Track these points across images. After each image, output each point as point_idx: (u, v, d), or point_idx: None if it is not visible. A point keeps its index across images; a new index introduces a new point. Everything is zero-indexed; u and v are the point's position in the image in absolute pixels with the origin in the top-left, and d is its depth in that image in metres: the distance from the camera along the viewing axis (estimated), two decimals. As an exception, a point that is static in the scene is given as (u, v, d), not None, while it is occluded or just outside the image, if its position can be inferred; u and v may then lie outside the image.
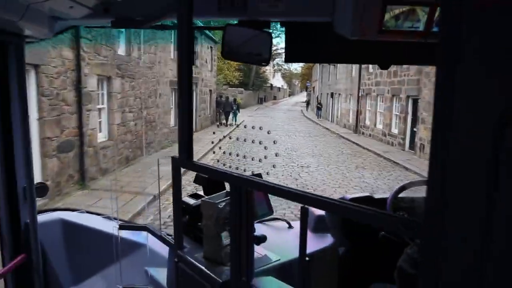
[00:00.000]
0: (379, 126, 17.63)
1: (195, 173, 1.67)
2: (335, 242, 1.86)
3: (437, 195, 0.61)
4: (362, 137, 19.16)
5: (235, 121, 23.19)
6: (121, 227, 1.91)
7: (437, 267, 0.62)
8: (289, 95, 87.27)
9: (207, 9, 1.37)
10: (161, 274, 1.84)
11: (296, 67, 75.56)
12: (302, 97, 76.82)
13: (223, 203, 1.37)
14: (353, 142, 17.14)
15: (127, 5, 1.45)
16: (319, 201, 0.94)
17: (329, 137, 19.56)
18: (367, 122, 19.38)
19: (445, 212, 0.60)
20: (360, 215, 0.85)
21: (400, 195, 1.85)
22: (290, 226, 1.95)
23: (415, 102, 13.82)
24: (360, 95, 20.08)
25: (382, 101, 17.34)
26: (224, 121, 23.05)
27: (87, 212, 2.47)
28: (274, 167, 10.25)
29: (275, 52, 38.09)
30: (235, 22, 1.45)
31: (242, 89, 40.67)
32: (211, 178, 1.70)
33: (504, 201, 0.55)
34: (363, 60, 1.74)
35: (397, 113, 15.49)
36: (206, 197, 1.52)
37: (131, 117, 10.35)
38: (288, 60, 1.50)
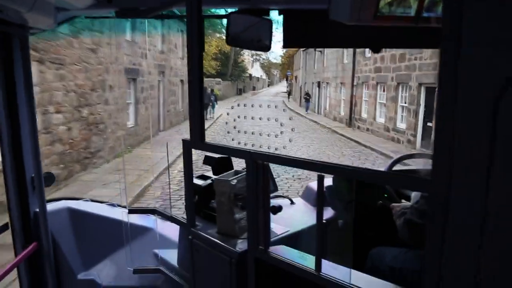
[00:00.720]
0: (380, 120, 15.16)
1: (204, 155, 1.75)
2: (335, 214, 1.92)
3: (443, 152, 0.71)
4: (358, 132, 16.71)
5: (213, 113, 21.16)
6: (130, 211, 2.01)
7: (444, 217, 0.73)
8: (268, 86, 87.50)
9: None
10: (170, 255, 1.88)
11: (276, 56, 73.55)
12: (282, 87, 76.76)
13: (235, 181, 1.47)
14: (351, 139, 14.64)
15: None
16: (334, 168, 1.09)
17: (321, 133, 17.01)
18: (364, 115, 16.91)
19: (450, 168, 0.70)
20: (375, 177, 1.04)
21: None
22: (292, 202, 2.04)
23: (430, 91, 11.36)
24: (355, 83, 17.54)
25: (384, 90, 14.86)
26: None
27: (91, 200, 2.42)
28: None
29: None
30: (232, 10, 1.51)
31: (220, 79, 37.60)
32: (219, 159, 1.79)
33: (502, 155, 0.63)
34: (357, 44, 1.72)
35: (405, 105, 13.03)
36: (217, 176, 1.58)
37: (60, 119, 7.32)
38: (285, 45, 1.54)
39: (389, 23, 1.19)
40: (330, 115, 22.29)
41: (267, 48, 1.52)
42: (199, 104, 1.30)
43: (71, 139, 7.75)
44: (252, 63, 68.35)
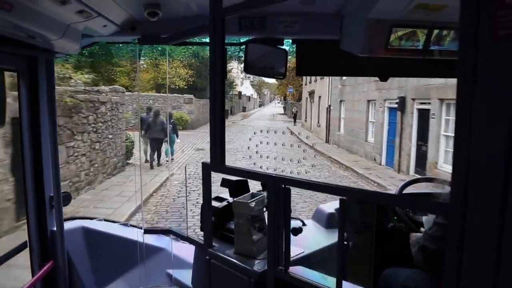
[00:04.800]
0: None
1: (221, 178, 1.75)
2: (346, 236, 2.03)
3: (461, 177, 0.75)
4: None
5: (169, 157, 11.52)
6: (146, 231, 2.04)
7: (461, 240, 0.76)
8: (260, 106, 76.62)
9: (229, 28, 1.40)
10: (184, 275, 1.90)
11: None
12: (275, 107, 65.89)
13: (254, 203, 1.54)
14: None
15: (153, 24, 1.56)
16: (356, 193, 1.16)
17: None
18: None
19: (468, 194, 0.74)
20: (395, 201, 1.23)
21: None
22: (304, 224, 2.03)
23: None
24: None
25: None
26: (154, 159, 10.96)
27: (105, 220, 2.44)
28: None
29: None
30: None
31: (192, 96, 23.05)
32: (237, 182, 1.84)
33: None
34: (366, 73, 1.89)
35: None
36: (235, 198, 1.66)
37: None
38: (298, 73, 1.71)
39: (398, 55, 1.35)
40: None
41: (282, 75, 1.68)
42: (220, 129, 1.32)
43: None
44: (242, 80, 55.04)
